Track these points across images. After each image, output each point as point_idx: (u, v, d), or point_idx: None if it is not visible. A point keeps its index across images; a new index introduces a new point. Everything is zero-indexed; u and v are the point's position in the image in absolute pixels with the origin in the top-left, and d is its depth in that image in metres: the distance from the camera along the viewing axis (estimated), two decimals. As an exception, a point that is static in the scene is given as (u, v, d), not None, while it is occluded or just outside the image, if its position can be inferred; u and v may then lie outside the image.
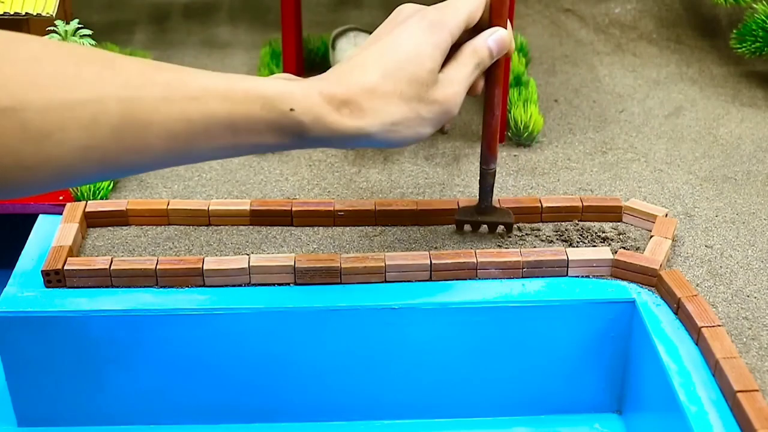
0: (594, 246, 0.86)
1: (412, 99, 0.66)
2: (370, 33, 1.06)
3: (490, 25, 0.73)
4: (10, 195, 0.60)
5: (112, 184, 0.93)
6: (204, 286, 0.82)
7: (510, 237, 0.87)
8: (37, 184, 0.59)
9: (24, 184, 0.58)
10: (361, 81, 0.65)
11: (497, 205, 0.88)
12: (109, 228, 0.89)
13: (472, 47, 0.71)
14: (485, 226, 0.87)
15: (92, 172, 0.60)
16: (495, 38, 0.72)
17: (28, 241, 0.89)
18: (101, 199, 0.92)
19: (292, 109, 0.62)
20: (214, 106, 0.60)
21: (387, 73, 0.65)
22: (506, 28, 0.73)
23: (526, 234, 0.88)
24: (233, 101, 0.61)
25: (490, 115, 0.81)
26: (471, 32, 0.72)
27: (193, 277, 0.82)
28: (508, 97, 1.01)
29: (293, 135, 0.63)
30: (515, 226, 0.88)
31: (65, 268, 0.82)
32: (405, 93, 0.65)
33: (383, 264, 0.82)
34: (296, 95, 0.63)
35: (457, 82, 0.69)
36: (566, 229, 0.88)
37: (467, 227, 0.88)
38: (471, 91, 0.73)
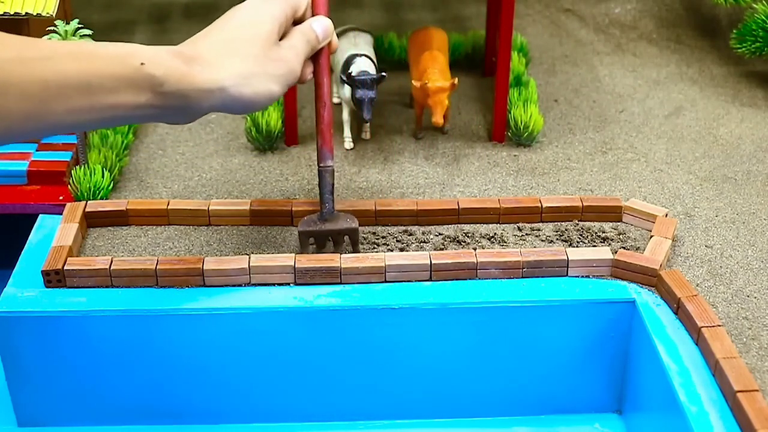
0: (594, 246, 0.86)
1: (258, 55, 0.71)
2: (370, 33, 1.07)
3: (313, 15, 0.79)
4: None
5: (112, 184, 0.93)
6: (204, 286, 0.82)
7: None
8: None
9: None
10: (206, 42, 0.71)
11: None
12: (109, 228, 0.89)
13: (299, 29, 0.76)
14: (330, 240, 0.84)
15: None
16: (319, 22, 0.78)
17: (28, 241, 0.89)
18: (101, 199, 0.92)
19: (142, 63, 0.65)
20: (66, 65, 0.62)
21: (229, 35, 0.71)
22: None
23: (526, 234, 0.88)
24: (83, 59, 0.63)
25: (321, 104, 0.81)
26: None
27: (193, 277, 0.82)
28: (508, 97, 1.01)
29: (148, 90, 0.66)
30: (516, 226, 0.89)
31: (65, 268, 0.82)
32: (250, 50, 0.71)
33: (383, 264, 0.82)
34: (145, 52, 0.66)
35: (293, 47, 0.74)
36: (566, 229, 0.88)
37: (312, 246, 0.84)
38: (300, 78, 0.77)
